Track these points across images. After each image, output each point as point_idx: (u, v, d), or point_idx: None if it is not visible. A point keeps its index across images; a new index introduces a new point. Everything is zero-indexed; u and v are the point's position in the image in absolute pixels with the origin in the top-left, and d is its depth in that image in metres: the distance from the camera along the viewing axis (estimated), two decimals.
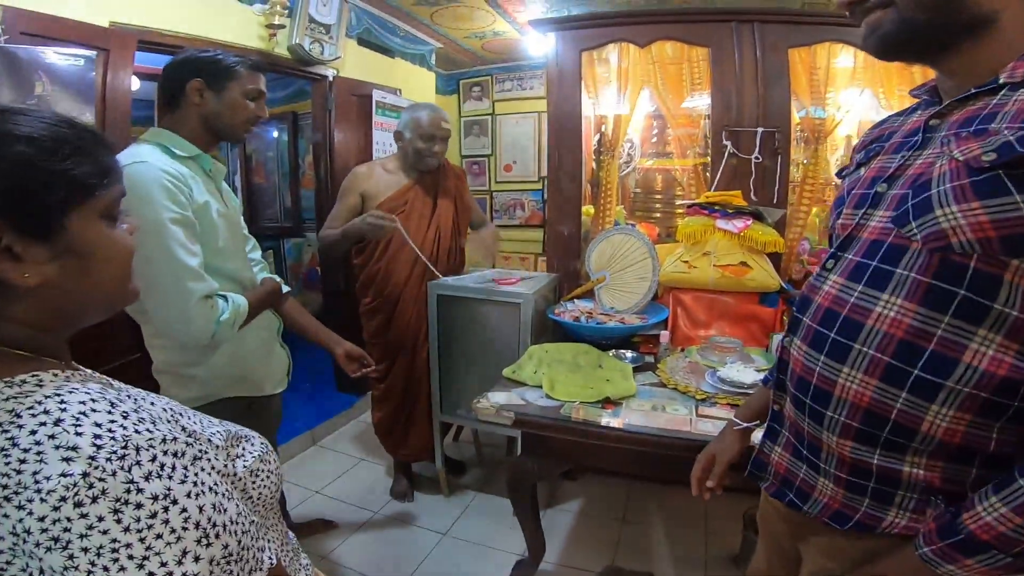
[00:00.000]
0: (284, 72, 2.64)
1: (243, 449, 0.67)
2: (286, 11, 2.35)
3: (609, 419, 1.33)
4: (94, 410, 0.47)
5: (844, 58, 2.06)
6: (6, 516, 0.43)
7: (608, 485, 2.37)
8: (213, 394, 1.33)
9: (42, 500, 0.43)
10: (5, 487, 0.43)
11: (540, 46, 2.30)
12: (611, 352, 1.77)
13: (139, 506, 0.45)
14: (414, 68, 3.62)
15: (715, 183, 2.15)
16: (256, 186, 4.81)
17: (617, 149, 2.54)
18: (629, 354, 1.77)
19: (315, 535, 2.07)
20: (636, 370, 1.65)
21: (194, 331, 1.20)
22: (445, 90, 4.63)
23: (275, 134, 4.58)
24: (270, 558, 0.56)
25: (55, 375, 0.52)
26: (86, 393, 0.49)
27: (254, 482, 0.65)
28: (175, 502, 0.47)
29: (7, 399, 0.47)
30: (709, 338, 1.78)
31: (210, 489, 0.51)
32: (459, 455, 2.62)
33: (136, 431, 0.48)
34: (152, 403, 0.56)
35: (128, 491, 0.44)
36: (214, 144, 1.36)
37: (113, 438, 0.46)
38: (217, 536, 0.49)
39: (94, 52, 1.79)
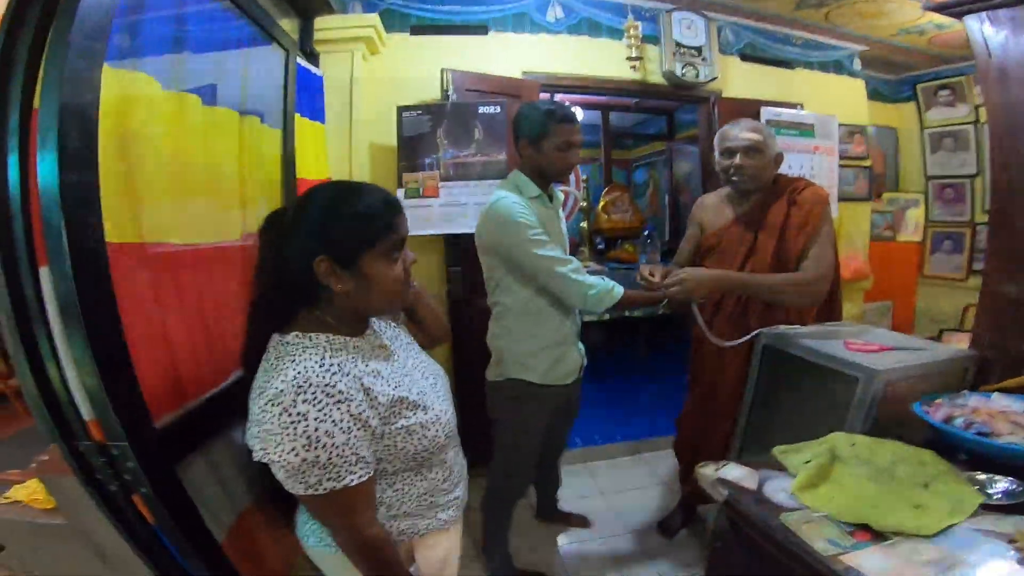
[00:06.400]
0: (663, 97, 2.76)
1: (411, 411, 0.91)
2: (638, 40, 2.47)
3: (833, 549, 0.90)
4: (305, 360, 0.80)
5: None
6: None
7: None
8: (508, 372, 1.69)
9: (260, 398, 0.79)
10: (263, 384, 0.80)
11: None
12: (969, 474, 1.13)
13: (291, 415, 0.75)
14: (825, 77, 3.08)
15: None
16: (681, 203, 5.11)
17: None
18: (1002, 484, 1.08)
19: (570, 525, 2.22)
20: (992, 508, 1.00)
21: (573, 300, 1.59)
22: (895, 97, 3.73)
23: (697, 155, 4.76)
24: (353, 480, 0.79)
25: (328, 338, 0.86)
26: (315, 352, 0.82)
27: (407, 437, 0.89)
28: (304, 419, 0.75)
29: (295, 344, 0.84)
30: None
31: (332, 421, 0.77)
32: None
33: (316, 376, 0.78)
34: (357, 365, 0.86)
35: (293, 403, 0.76)
36: (547, 184, 1.70)
37: (299, 376, 0.77)
38: (314, 447, 0.76)
39: (506, 99, 2.37)
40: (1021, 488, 1.06)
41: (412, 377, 0.96)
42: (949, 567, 0.84)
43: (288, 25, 1.79)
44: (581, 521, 2.24)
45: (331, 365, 0.80)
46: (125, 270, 0.97)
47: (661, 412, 3.15)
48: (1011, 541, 0.89)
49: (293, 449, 0.75)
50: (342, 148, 2.17)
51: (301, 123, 1.86)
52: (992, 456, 1.17)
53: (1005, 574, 0.82)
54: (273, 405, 0.76)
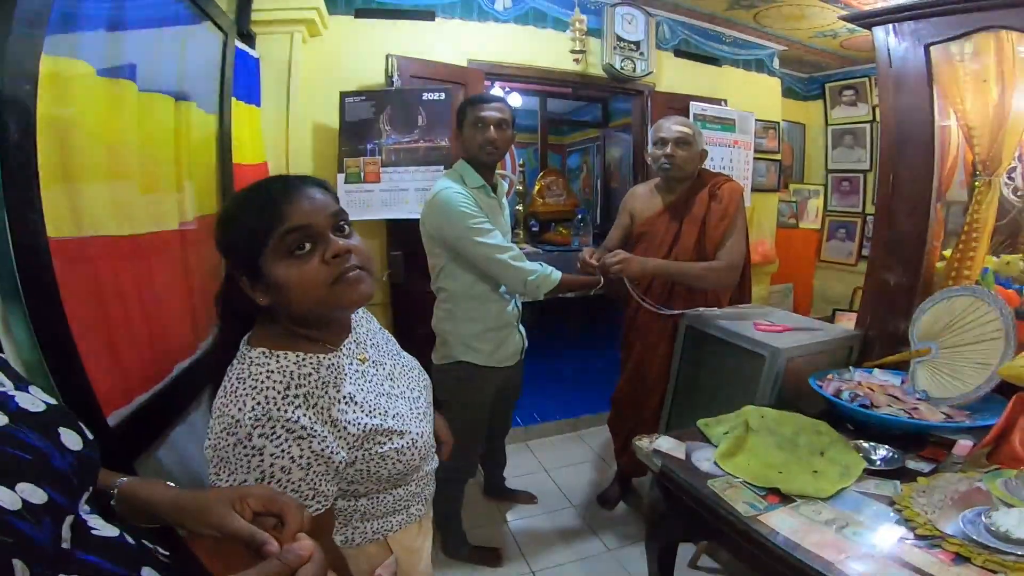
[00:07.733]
0: (601, 90, 2.87)
1: (386, 439, 0.84)
2: (584, 35, 2.56)
3: (752, 511, 1.05)
4: (268, 388, 0.73)
5: None
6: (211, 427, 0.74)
7: None
8: (454, 355, 1.75)
9: (219, 418, 0.73)
10: (222, 404, 0.74)
11: None
12: (856, 442, 1.34)
13: (246, 448, 0.70)
14: (748, 75, 3.32)
15: None
16: (612, 188, 5.30)
17: (997, 176, 1.79)
18: (882, 451, 1.30)
19: (517, 502, 2.35)
20: (874, 473, 1.21)
21: (513, 285, 1.69)
22: (806, 94, 4.07)
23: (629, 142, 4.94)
24: (316, 510, 0.74)
25: (298, 359, 0.77)
26: (279, 379, 0.74)
27: (381, 462, 0.84)
28: (260, 454, 0.70)
29: (260, 364, 0.75)
30: None
31: (290, 458, 0.71)
32: None
33: (277, 409, 0.72)
34: (327, 393, 0.78)
35: (249, 436, 0.70)
36: (490, 173, 1.75)
37: (259, 407, 0.71)
38: (268, 481, 0.70)
39: (451, 86, 2.38)
40: (897, 455, 1.27)
41: (392, 396, 0.90)
42: (844, 525, 1.02)
43: (224, 4, 1.71)
44: (528, 498, 2.37)
45: (296, 397, 0.74)
46: (64, 265, 0.93)
47: (595, 390, 3.31)
48: (891, 503, 1.08)
49: (245, 481, 0.70)
50: (279, 133, 2.11)
51: (237, 107, 1.79)
52: (873, 425, 1.39)
53: (889, 532, 1.00)
54: (228, 434, 0.71)
